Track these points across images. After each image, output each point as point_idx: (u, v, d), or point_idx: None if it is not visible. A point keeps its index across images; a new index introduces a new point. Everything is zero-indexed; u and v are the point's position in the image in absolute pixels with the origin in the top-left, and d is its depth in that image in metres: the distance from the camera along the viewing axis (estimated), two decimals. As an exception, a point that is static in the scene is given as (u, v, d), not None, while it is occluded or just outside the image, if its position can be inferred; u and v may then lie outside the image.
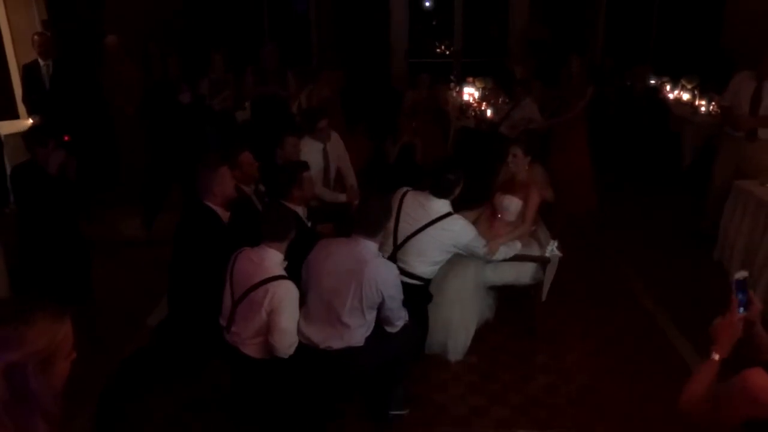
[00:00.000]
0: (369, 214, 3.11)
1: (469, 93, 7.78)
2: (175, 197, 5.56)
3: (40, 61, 5.86)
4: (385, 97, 7.92)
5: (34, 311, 1.40)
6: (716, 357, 1.91)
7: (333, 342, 3.04)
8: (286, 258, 3.03)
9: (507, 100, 7.15)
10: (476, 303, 3.96)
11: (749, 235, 4.64)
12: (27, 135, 4.08)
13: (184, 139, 5.48)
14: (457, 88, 8.05)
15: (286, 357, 2.90)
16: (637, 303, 4.58)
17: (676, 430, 2.77)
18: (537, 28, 8.99)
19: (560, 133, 6.20)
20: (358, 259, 3.00)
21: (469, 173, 3.74)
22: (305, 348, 3.01)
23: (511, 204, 4.09)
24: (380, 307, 3.06)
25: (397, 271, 3.13)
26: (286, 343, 2.89)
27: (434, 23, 10.54)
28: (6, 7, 6.06)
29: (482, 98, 7.61)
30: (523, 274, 3.98)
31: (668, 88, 7.87)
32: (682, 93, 7.67)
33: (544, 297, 4.04)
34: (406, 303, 3.20)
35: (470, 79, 8.26)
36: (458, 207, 3.74)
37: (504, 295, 4.22)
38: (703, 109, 7.00)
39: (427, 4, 10.32)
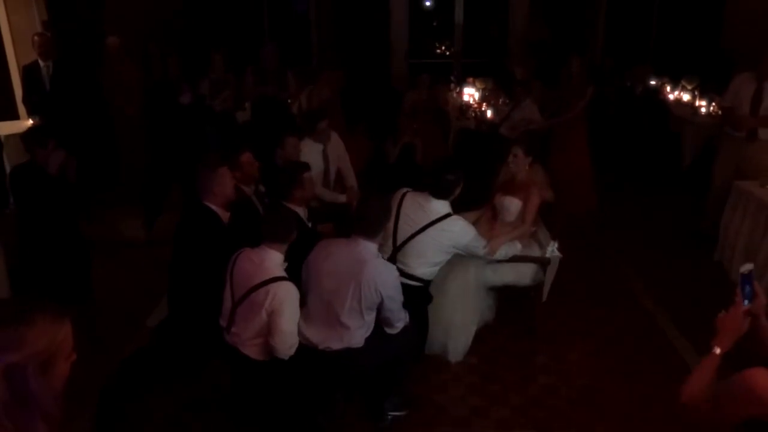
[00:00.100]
0: (368, 214, 3.11)
1: (469, 94, 7.78)
2: (175, 197, 5.56)
3: (40, 61, 5.85)
4: (385, 97, 7.92)
5: (34, 312, 1.40)
6: (717, 351, 1.90)
7: (332, 343, 3.04)
8: (286, 259, 3.03)
9: (507, 101, 7.15)
10: (476, 304, 3.96)
11: (749, 236, 4.65)
12: (26, 136, 4.07)
13: (184, 140, 5.48)
14: (458, 89, 8.06)
15: (287, 358, 2.90)
16: (637, 303, 4.58)
17: (676, 430, 2.78)
18: (537, 28, 8.99)
19: (560, 133, 6.20)
20: (357, 259, 3.00)
21: (469, 174, 3.74)
22: (305, 349, 3.01)
23: (512, 205, 4.09)
24: (380, 308, 3.06)
25: (396, 272, 3.13)
26: (287, 344, 2.88)
27: (434, 24, 10.54)
28: (6, 8, 6.06)
29: (482, 99, 7.61)
30: (523, 275, 3.98)
31: (668, 88, 7.87)
32: (682, 94, 7.67)
33: (544, 298, 4.04)
34: (406, 304, 3.20)
35: (470, 80, 8.27)
36: (458, 208, 3.74)
37: (504, 296, 4.22)
38: (703, 109, 7.00)
39: (428, 4, 10.32)
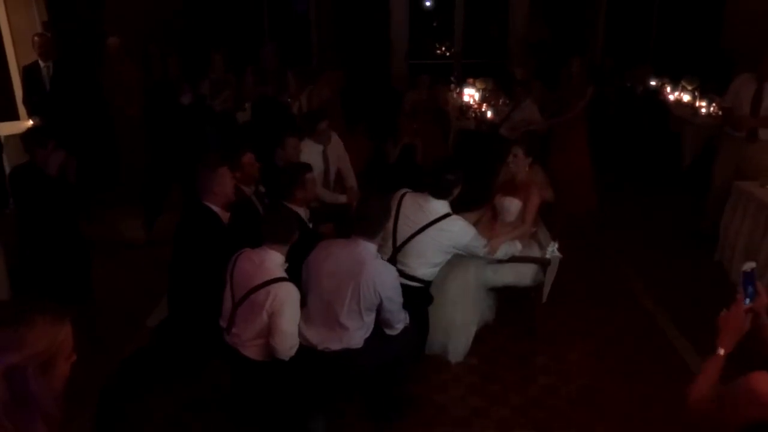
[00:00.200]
0: (368, 215, 3.11)
1: (470, 94, 7.78)
2: (175, 197, 5.57)
3: (40, 62, 5.85)
4: (385, 97, 7.92)
5: (33, 313, 1.40)
6: (721, 352, 1.90)
7: (331, 343, 3.04)
8: (287, 259, 3.03)
9: (507, 102, 7.15)
10: (477, 304, 3.96)
11: (749, 237, 4.65)
12: (25, 136, 4.07)
13: (184, 140, 5.48)
14: (458, 90, 8.05)
15: (287, 359, 2.90)
16: (637, 303, 4.58)
17: (676, 430, 2.78)
18: (537, 28, 8.99)
19: (560, 134, 6.20)
20: (356, 260, 3.00)
21: (469, 174, 3.74)
22: (304, 349, 3.01)
23: (512, 205, 4.08)
24: (379, 310, 3.06)
25: (395, 273, 3.12)
26: (287, 345, 2.88)
27: (435, 24, 10.54)
28: (6, 8, 6.06)
29: (482, 99, 7.61)
30: (523, 275, 3.98)
31: (668, 89, 7.87)
32: (682, 94, 7.67)
33: (544, 299, 4.04)
34: (406, 305, 3.20)
35: (470, 81, 8.26)
36: (458, 208, 3.74)
37: (504, 297, 4.22)
38: (703, 110, 7.00)
39: (428, 4, 10.32)
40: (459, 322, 3.84)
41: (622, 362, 3.86)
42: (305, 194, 3.74)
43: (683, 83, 7.77)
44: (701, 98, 7.19)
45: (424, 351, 3.77)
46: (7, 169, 5.26)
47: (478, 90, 7.91)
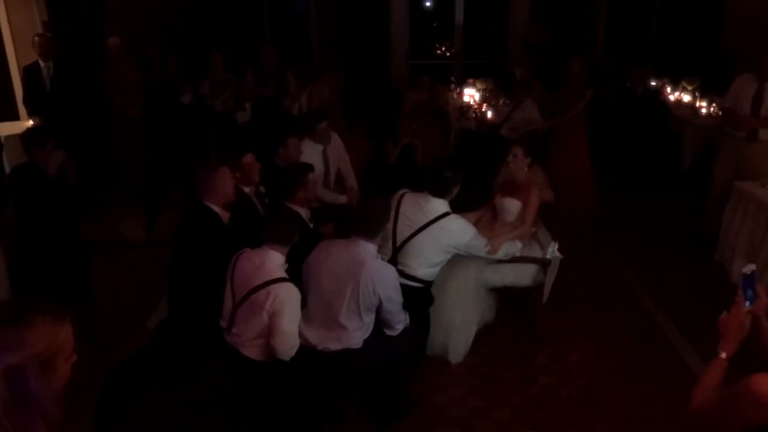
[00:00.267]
0: (367, 215, 3.11)
1: (470, 94, 7.77)
2: (175, 197, 5.57)
3: (40, 62, 5.86)
4: (385, 98, 7.91)
5: (34, 313, 1.40)
6: (723, 355, 1.90)
7: (330, 344, 3.04)
8: (287, 260, 3.03)
9: (507, 102, 7.15)
10: (477, 304, 3.96)
11: (750, 237, 4.64)
12: (24, 137, 4.07)
13: (184, 140, 5.48)
14: (458, 90, 8.05)
15: (288, 359, 2.90)
16: (637, 303, 4.58)
17: (676, 430, 2.78)
18: (537, 29, 8.99)
19: (560, 134, 6.21)
20: (356, 260, 3.00)
21: (469, 174, 3.74)
22: (304, 349, 3.01)
23: (512, 206, 4.08)
24: (379, 310, 3.06)
25: (395, 274, 3.12)
26: (288, 345, 2.88)
27: (435, 24, 10.53)
28: (6, 8, 6.06)
29: (483, 100, 7.60)
30: (523, 275, 3.98)
31: (669, 89, 7.87)
32: (682, 95, 7.67)
33: (545, 299, 4.04)
34: (407, 305, 3.20)
35: (471, 81, 8.26)
36: (458, 209, 3.74)
37: (504, 297, 4.23)
38: (703, 110, 7.00)
39: (428, 5, 10.31)
40: (459, 323, 3.84)
41: (622, 362, 3.86)
42: (307, 194, 3.74)
43: (683, 83, 7.76)
44: (701, 98, 7.19)
45: (424, 351, 3.77)
46: (8, 169, 5.26)
47: (478, 90, 7.91)
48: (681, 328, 4.17)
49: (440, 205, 3.57)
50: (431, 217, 3.52)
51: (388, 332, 3.16)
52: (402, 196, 3.67)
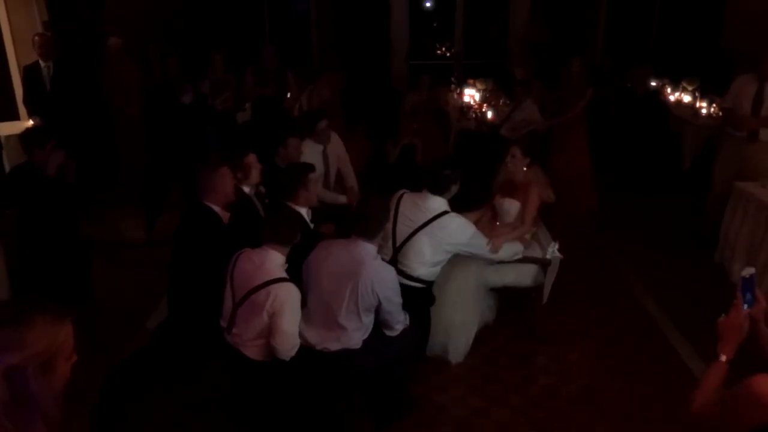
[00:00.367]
0: (367, 215, 3.11)
1: (470, 95, 7.78)
2: (175, 197, 5.57)
3: (40, 62, 5.85)
4: (385, 98, 7.92)
5: (34, 313, 1.40)
6: (723, 358, 1.90)
7: (329, 344, 3.05)
8: (287, 260, 3.03)
9: (507, 102, 7.15)
10: (477, 305, 3.96)
11: (750, 238, 4.64)
12: (24, 136, 4.07)
13: (184, 140, 5.48)
14: (458, 90, 8.05)
15: (288, 359, 2.90)
16: (637, 303, 4.58)
17: (676, 430, 2.78)
18: (537, 29, 8.99)
19: (560, 134, 6.21)
20: (356, 260, 3.00)
21: (469, 175, 3.74)
22: (304, 349, 3.01)
23: (511, 207, 4.09)
24: (378, 310, 3.06)
25: (394, 274, 3.12)
26: (288, 345, 2.88)
27: (435, 25, 10.53)
28: (6, 8, 6.06)
29: (483, 100, 7.60)
30: (524, 275, 3.98)
31: (669, 90, 7.87)
32: (682, 95, 7.67)
33: (545, 299, 4.04)
34: (408, 306, 3.20)
35: (471, 81, 8.26)
36: (458, 209, 3.73)
37: (504, 297, 4.22)
38: (703, 110, 7.00)
39: (428, 5, 10.31)
40: (459, 323, 3.84)
41: (622, 362, 3.86)
42: (308, 194, 3.73)
43: (683, 84, 7.76)
44: (701, 99, 7.19)
45: (424, 351, 3.77)
46: (8, 170, 5.26)
47: (478, 90, 7.91)
48: (681, 328, 4.17)
49: (439, 204, 3.57)
50: (430, 216, 3.52)
51: (388, 333, 3.16)
52: (401, 196, 3.67)
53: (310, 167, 3.81)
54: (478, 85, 8.09)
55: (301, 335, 3.00)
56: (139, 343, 3.61)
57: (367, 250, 3.07)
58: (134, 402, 3.09)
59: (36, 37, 5.84)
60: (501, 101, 7.35)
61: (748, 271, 1.95)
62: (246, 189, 3.82)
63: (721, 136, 5.49)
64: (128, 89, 6.14)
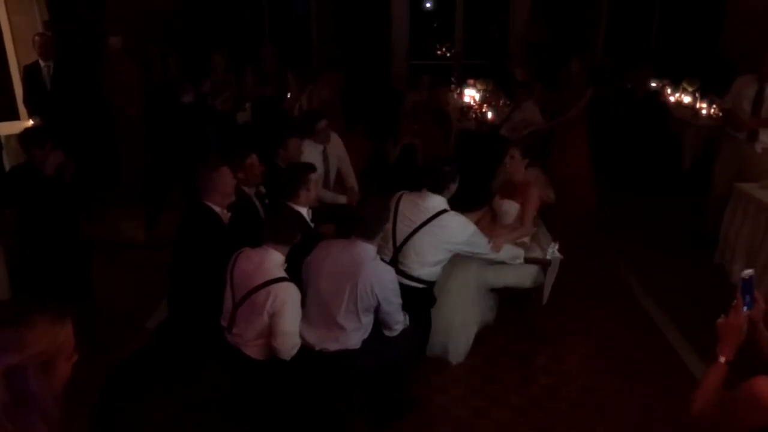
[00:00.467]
0: (367, 215, 3.11)
1: (470, 95, 7.77)
2: (175, 197, 5.57)
3: (41, 61, 5.85)
4: (385, 98, 7.92)
5: (34, 313, 1.40)
6: (722, 360, 1.90)
7: (328, 344, 3.05)
8: (287, 260, 3.03)
9: (508, 102, 7.15)
10: (477, 305, 3.96)
11: (750, 239, 4.64)
12: (23, 136, 4.07)
13: (184, 140, 5.48)
14: (458, 90, 8.05)
15: (289, 359, 2.90)
16: (637, 304, 4.58)
17: (676, 430, 2.78)
18: (537, 29, 8.99)
19: (560, 134, 6.20)
20: (355, 261, 3.00)
21: (469, 175, 3.74)
22: (304, 349, 3.01)
23: (510, 208, 4.09)
24: (377, 311, 3.05)
25: (393, 275, 3.12)
26: (289, 345, 2.88)
27: (435, 25, 10.53)
28: (7, 8, 6.06)
29: (483, 100, 7.60)
30: (524, 276, 3.98)
31: (669, 90, 7.87)
32: (683, 96, 7.67)
33: (545, 300, 4.03)
34: (408, 306, 3.20)
35: (471, 81, 8.26)
36: (458, 209, 3.73)
37: (504, 297, 4.22)
38: (704, 111, 7.00)
39: (428, 5, 10.31)
40: (459, 323, 3.84)
41: (622, 362, 3.86)
42: (309, 194, 3.73)
43: (684, 85, 7.76)
44: (702, 100, 7.18)
45: (424, 352, 3.76)
46: (8, 169, 5.26)
47: (478, 91, 7.91)
48: (681, 329, 4.17)
49: (439, 203, 3.56)
50: (430, 215, 3.51)
51: (387, 333, 3.16)
52: (401, 197, 3.67)
53: (311, 167, 3.81)
54: (479, 86, 8.08)
55: (300, 335, 3.01)
56: (139, 343, 3.61)
57: (367, 250, 3.07)
58: (134, 402, 3.09)
59: (36, 37, 5.84)
60: (501, 102, 7.35)
61: (748, 272, 1.95)
62: (246, 189, 3.82)
63: (721, 137, 5.49)
64: (128, 89, 6.15)
